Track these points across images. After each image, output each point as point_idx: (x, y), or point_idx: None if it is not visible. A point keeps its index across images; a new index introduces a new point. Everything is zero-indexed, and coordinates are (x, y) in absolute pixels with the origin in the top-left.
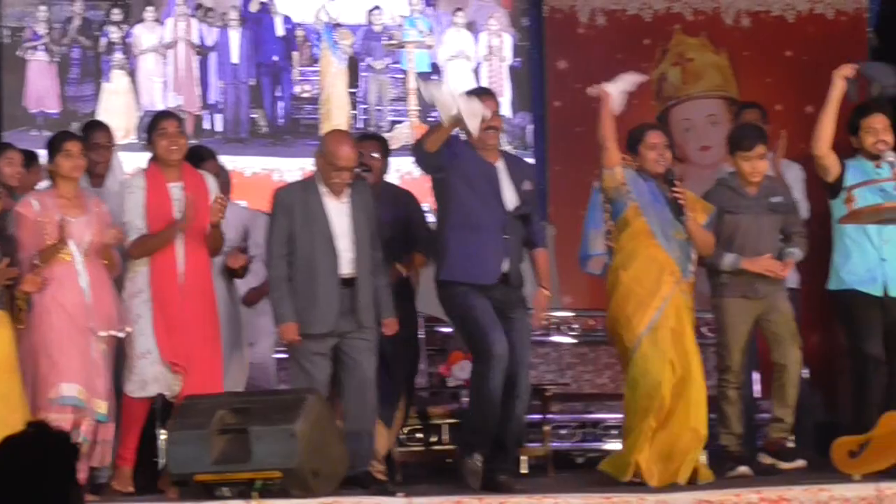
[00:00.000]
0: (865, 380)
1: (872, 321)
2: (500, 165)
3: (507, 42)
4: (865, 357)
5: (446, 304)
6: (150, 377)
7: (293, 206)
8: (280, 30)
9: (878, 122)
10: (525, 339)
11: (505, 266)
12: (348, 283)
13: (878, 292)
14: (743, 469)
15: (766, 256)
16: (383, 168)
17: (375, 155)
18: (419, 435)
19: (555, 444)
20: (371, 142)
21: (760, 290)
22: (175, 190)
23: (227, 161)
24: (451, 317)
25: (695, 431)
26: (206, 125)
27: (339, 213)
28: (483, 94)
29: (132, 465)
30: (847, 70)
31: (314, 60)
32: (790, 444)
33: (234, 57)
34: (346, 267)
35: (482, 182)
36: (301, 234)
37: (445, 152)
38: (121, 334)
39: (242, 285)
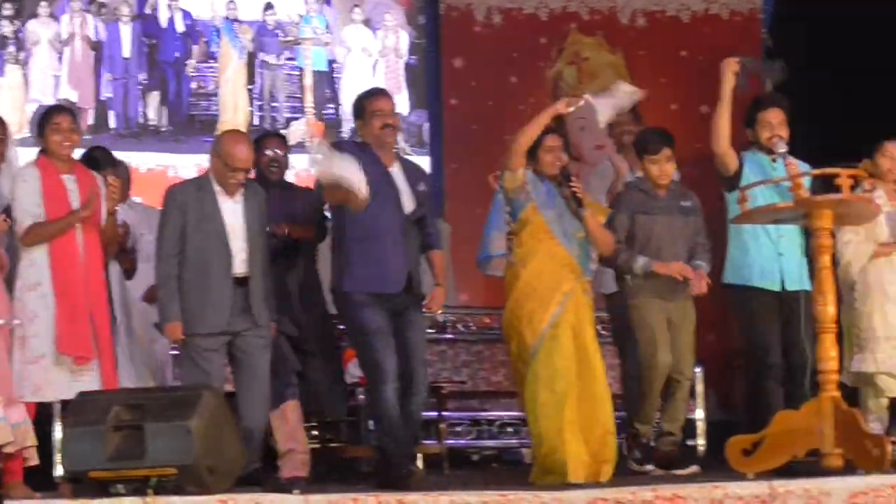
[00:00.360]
0: (765, 387)
1: (772, 325)
2: (396, 168)
3: (403, 39)
4: (766, 366)
5: (341, 311)
6: (44, 382)
7: (187, 204)
8: (180, 25)
9: (774, 116)
10: (420, 337)
11: (407, 269)
12: (241, 282)
13: (775, 287)
14: (649, 466)
15: (677, 262)
16: (286, 164)
17: (279, 151)
18: (315, 432)
19: (450, 441)
20: (276, 139)
21: (674, 292)
22: (69, 181)
23: (122, 157)
24: (344, 324)
25: (605, 429)
26: (102, 121)
27: (232, 212)
28: (378, 93)
29: (22, 477)
30: (734, 65)
31: (210, 56)
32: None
33: (126, 52)
34: (239, 266)
35: (381, 188)
36: (194, 232)
37: None
38: (15, 321)
39: (143, 282)
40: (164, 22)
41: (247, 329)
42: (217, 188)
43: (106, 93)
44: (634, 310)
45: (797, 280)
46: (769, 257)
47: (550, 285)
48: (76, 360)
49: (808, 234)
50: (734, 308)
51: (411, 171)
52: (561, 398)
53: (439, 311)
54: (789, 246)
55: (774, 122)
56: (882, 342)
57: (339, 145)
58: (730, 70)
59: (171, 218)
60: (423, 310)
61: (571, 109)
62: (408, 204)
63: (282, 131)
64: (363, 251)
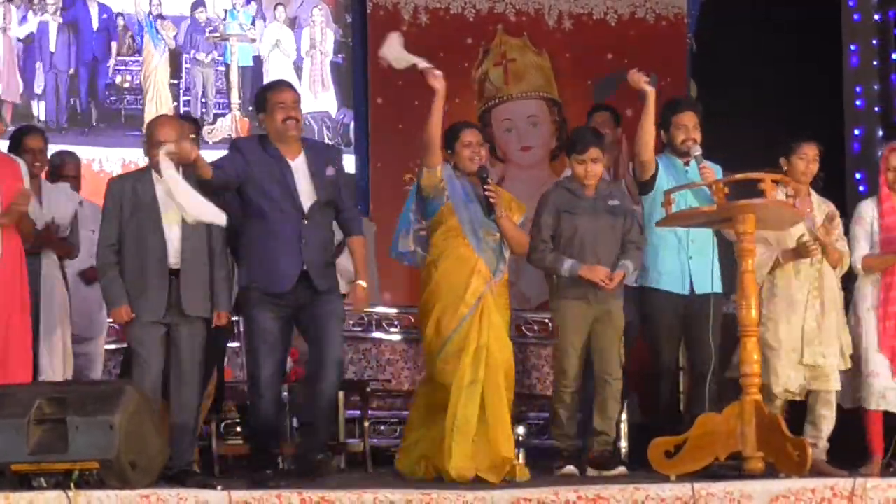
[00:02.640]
0: (658, 388)
1: (671, 328)
2: (301, 160)
3: (329, 37)
4: (657, 368)
5: (242, 311)
6: None
7: (123, 195)
8: (99, 20)
9: (688, 119)
10: (330, 321)
11: (299, 269)
12: (176, 272)
13: (684, 290)
14: (570, 468)
15: (602, 267)
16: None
17: (193, 136)
18: (238, 429)
19: (374, 440)
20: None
21: (599, 293)
22: None
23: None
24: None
25: (506, 433)
26: (27, 114)
27: (170, 202)
28: (280, 85)
29: None
30: (641, 75)
31: (135, 51)
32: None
33: (52, 45)
34: (174, 255)
35: (275, 187)
36: (130, 223)
37: (238, 161)
38: None
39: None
40: (89, 15)
41: (179, 322)
42: (155, 178)
43: (35, 87)
44: (555, 313)
45: (707, 283)
46: (679, 261)
47: (459, 289)
48: None
49: (720, 237)
50: (640, 309)
51: (320, 156)
52: (456, 399)
53: (363, 312)
54: (700, 249)
55: (689, 125)
56: (783, 357)
57: (236, 143)
58: (642, 80)
59: (108, 210)
60: (347, 306)
61: (440, 86)
62: (307, 197)
63: (208, 127)
64: (257, 252)
